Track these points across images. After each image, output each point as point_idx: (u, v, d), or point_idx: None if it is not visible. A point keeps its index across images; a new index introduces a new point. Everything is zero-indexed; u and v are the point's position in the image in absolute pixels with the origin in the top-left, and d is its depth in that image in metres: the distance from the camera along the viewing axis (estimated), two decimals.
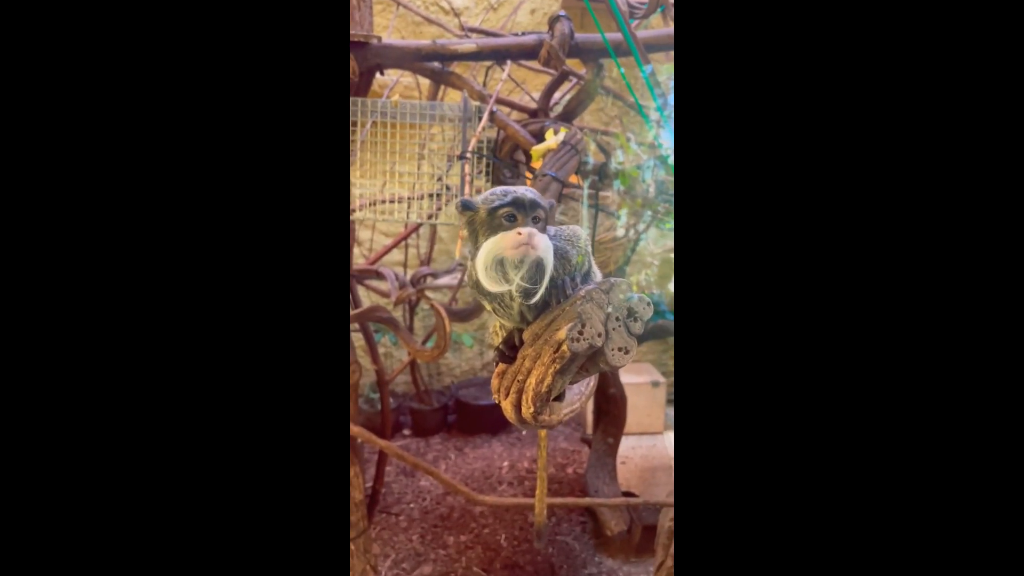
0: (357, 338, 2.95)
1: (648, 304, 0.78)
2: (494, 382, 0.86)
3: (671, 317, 2.10)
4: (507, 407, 0.84)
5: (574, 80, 1.99)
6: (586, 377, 0.88)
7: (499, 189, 0.81)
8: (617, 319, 0.77)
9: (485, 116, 1.66)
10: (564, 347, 0.75)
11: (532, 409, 0.80)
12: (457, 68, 1.85)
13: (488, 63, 2.08)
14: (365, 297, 2.70)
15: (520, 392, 0.81)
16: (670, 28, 1.94)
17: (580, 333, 0.75)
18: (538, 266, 0.77)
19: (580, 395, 0.95)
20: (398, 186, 1.77)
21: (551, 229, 0.83)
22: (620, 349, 0.77)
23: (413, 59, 1.78)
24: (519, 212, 0.78)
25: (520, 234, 0.76)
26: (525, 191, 0.80)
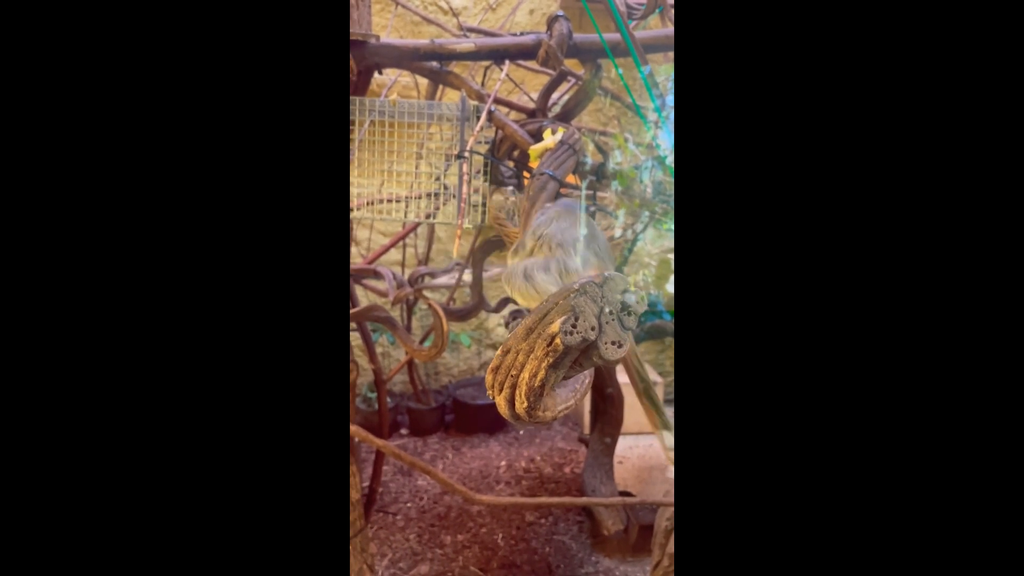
0: (355, 337, 2.96)
1: (641, 298, 0.78)
2: (488, 377, 0.86)
3: (668, 317, 2.10)
4: (501, 402, 0.84)
5: (572, 80, 1.99)
6: (580, 372, 0.88)
7: None
8: (611, 313, 0.78)
9: (483, 116, 1.66)
10: (557, 340, 0.75)
11: (526, 404, 0.80)
12: (455, 68, 1.85)
13: (486, 63, 2.08)
14: (363, 296, 2.70)
15: (514, 387, 0.81)
16: (668, 29, 1.94)
17: (573, 326, 0.75)
18: None
19: (575, 391, 0.95)
20: (396, 185, 1.77)
21: (543, 213, 0.82)
22: (613, 343, 0.78)
23: (411, 58, 1.78)
24: None
25: None
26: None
